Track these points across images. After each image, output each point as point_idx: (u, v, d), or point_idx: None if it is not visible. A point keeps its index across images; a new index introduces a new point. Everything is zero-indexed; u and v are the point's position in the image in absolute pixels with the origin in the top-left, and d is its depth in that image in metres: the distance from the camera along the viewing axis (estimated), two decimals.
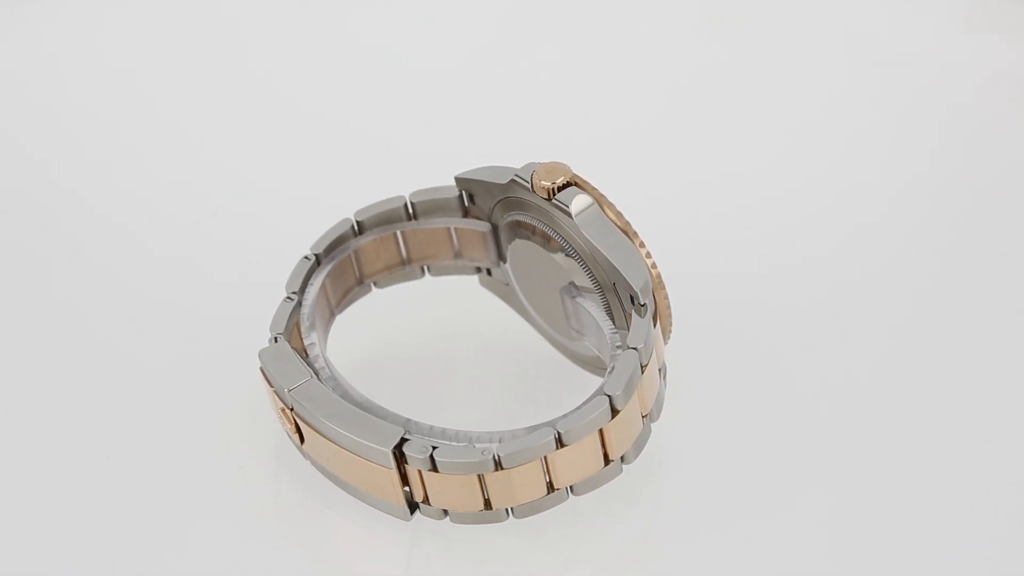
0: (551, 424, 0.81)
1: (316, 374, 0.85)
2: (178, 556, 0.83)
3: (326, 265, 0.91)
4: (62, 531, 0.84)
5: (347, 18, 1.21)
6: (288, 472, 0.88)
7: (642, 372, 0.82)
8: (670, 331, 0.89)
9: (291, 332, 0.88)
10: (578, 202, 0.86)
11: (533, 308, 0.94)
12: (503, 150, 0.98)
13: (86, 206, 1.06)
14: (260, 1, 1.23)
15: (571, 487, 0.83)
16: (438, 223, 0.93)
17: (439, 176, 0.93)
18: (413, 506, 0.83)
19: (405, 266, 0.95)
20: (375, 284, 0.95)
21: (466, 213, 0.93)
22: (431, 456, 0.80)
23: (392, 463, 0.81)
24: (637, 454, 0.84)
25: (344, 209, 0.93)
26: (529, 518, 0.83)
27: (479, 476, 0.80)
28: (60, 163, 1.09)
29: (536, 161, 0.88)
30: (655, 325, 0.85)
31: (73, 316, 0.98)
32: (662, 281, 0.86)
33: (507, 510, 0.82)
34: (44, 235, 1.04)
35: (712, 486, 0.88)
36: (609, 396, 0.81)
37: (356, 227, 0.93)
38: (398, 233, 0.93)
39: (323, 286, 0.91)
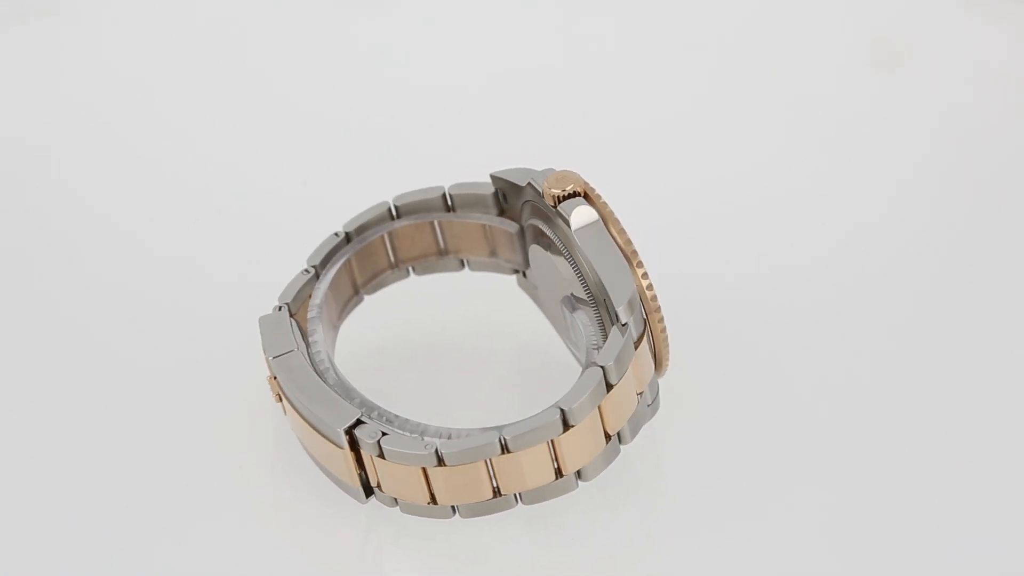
0: (498, 429, 0.80)
1: (308, 347, 0.87)
2: (178, 556, 0.84)
3: (356, 244, 0.92)
4: (61, 531, 0.85)
5: (349, 19, 1.21)
6: (288, 472, 0.88)
7: (607, 391, 0.80)
8: (666, 363, 0.86)
9: (300, 303, 0.89)
10: (579, 213, 0.84)
11: (548, 316, 0.93)
12: (508, 151, 0.97)
13: (85, 206, 1.07)
14: (262, 4, 1.23)
15: (519, 495, 0.82)
16: (474, 218, 0.93)
17: (439, 178, 0.93)
18: (369, 489, 0.84)
19: (443, 256, 0.95)
20: (413, 270, 0.95)
21: (501, 212, 0.93)
22: (379, 442, 0.81)
23: (345, 443, 0.82)
24: (596, 474, 0.82)
25: (346, 210, 0.93)
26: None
27: (423, 470, 0.81)
28: (59, 162, 1.11)
29: (552, 168, 0.87)
30: (638, 348, 0.82)
31: (73, 316, 0.99)
32: (659, 308, 0.84)
33: (453, 507, 0.82)
34: (43, 235, 1.05)
35: (711, 486, 0.87)
36: (563, 410, 0.80)
37: (394, 211, 0.93)
38: (435, 223, 0.93)
39: (348, 263, 0.92)
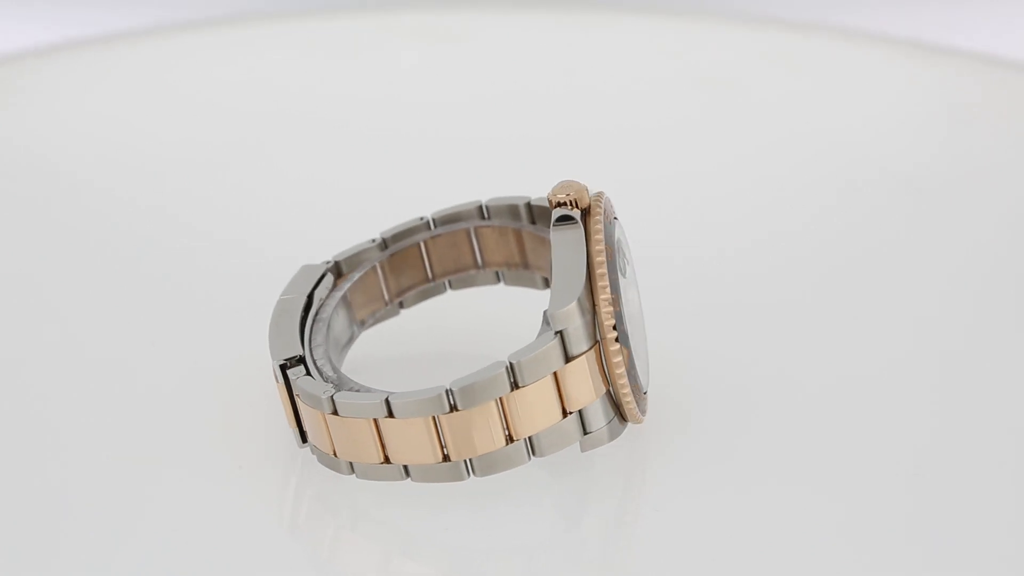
0: (386, 393, 0.80)
1: (320, 304, 0.89)
2: (177, 555, 0.83)
3: (392, 247, 0.93)
4: (60, 531, 0.84)
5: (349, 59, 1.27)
6: (288, 471, 0.88)
7: (511, 390, 0.79)
8: (627, 407, 0.83)
9: (352, 268, 0.92)
10: (561, 216, 0.83)
11: None
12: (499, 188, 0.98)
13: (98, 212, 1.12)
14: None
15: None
16: (508, 224, 0.93)
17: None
18: (304, 435, 0.85)
19: (479, 270, 0.95)
20: (449, 284, 0.96)
21: (533, 222, 0.93)
22: (332, 398, 0.81)
23: (281, 378, 0.84)
24: (485, 472, 0.81)
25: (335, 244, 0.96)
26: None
27: (323, 416, 0.81)
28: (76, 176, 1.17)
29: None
30: (570, 363, 0.80)
31: (72, 316, 1.02)
32: (616, 340, 0.81)
33: (349, 464, 0.83)
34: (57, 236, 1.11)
35: (703, 486, 0.85)
36: (450, 390, 0.79)
37: (432, 223, 0.94)
38: (471, 230, 0.94)
39: (382, 269, 0.93)
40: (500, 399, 0.79)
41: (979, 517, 0.83)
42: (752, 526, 0.83)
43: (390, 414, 0.80)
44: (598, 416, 0.82)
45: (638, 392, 0.83)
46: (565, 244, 0.82)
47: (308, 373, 0.84)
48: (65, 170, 1.17)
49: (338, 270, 0.93)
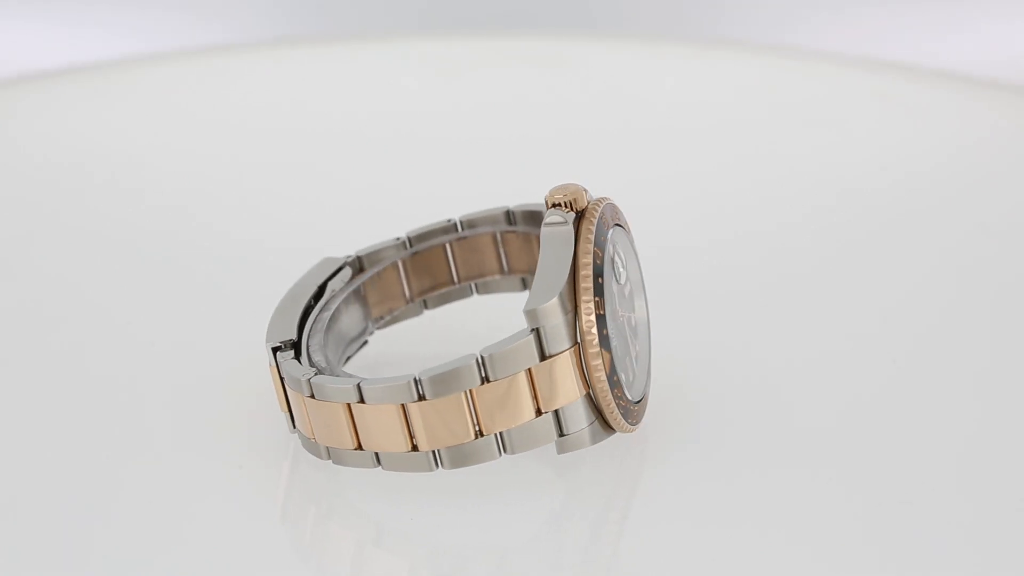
0: (358, 378, 0.80)
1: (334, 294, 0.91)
2: (177, 555, 0.83)
3: (416, 247, 0.94)
4: (60, 531, 0.85)
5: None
6: (288, 471, 0.89)
7: (480, 383, 0.78)
8: (609, 411, 0.81)
9: (372, 263, 0.94)
10: (551, 218, 0.82)
11: None
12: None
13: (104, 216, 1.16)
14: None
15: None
16: (533, 231, 0.93)
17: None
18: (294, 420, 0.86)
19: (505, 276, 0.95)
20: (476, 288, 0.96)
21: None
22: (310, 380, 0.82)
23: (273, 361, 0.85)
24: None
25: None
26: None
27: (303, 400, 0.82)
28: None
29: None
30: (544, 362, 0.79)
31: (72, 316, 1.04)
32: (596, 344, 0.80)
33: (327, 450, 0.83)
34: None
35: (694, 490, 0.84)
36: (418, 379, 0.79)
37: (459, 225, 0.95)
38: (497, 234, 0.94)
39: (404, 267, 0.94)
40: (470, 392, 0.79)
41: (979, 519, 0.82)
42: (740, 534, 0.81)
43: (361, 399, 0.80)
44: (577, 418, 0.81)
45: (622, 399, 0.82)
46: (552, 243, 0.81)
47: (298, 358, 0.85)
48: (94, 171, 1.24)
49: (360, 265, 0.94)
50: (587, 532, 0.83)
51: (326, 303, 0.91)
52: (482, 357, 0.79)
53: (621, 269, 0.84)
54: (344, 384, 0.81)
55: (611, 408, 0.81)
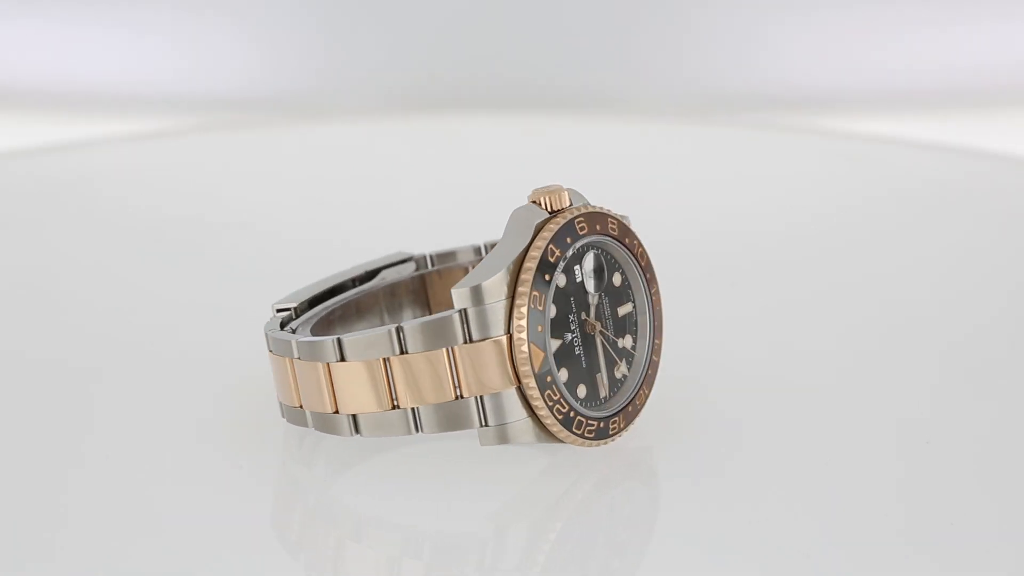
0: (337, 336, 0.82)
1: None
2: (176, 555, 0.83)
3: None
4: (59, 531, 0.85)
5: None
6: (288, 472, 0.90)
7: (399, 353, 0.79)
8: (535, 401, 0.80)
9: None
10: (519, 210, 0.82)
11: None
12: None
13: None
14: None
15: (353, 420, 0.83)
16: None
17: None
18: None
19: None
20: None
21: None
22: (269, 332, 0.85)
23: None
24: (431, 428, 0.80)
25: None
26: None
27: (289, 363, 0.84)
28: None
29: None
30: (473, 344, 0.79)
31: (73, 317, 1.07)
32: (522, 333, 0.79)
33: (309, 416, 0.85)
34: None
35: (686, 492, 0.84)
36: (340, 340, 0.80)
37: (483, 249, 0.95)
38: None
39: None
40: (387, 359, 0.80)
41: (979, 521, 0.80)
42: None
43: (342, 357, 0.81)
44: (502, 412, 0.80)
45: (562, 404, 0.80)
46: (511, 233, 0.81)
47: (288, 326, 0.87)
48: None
49: (431, 263, 0.95)
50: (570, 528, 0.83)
51: (365, 288, 0.92)
52: (399, 327, 0.79)
53: (591, 280, 0.83)
54: (325, 340, 0.82)
55: (540, 408, 0.80)
